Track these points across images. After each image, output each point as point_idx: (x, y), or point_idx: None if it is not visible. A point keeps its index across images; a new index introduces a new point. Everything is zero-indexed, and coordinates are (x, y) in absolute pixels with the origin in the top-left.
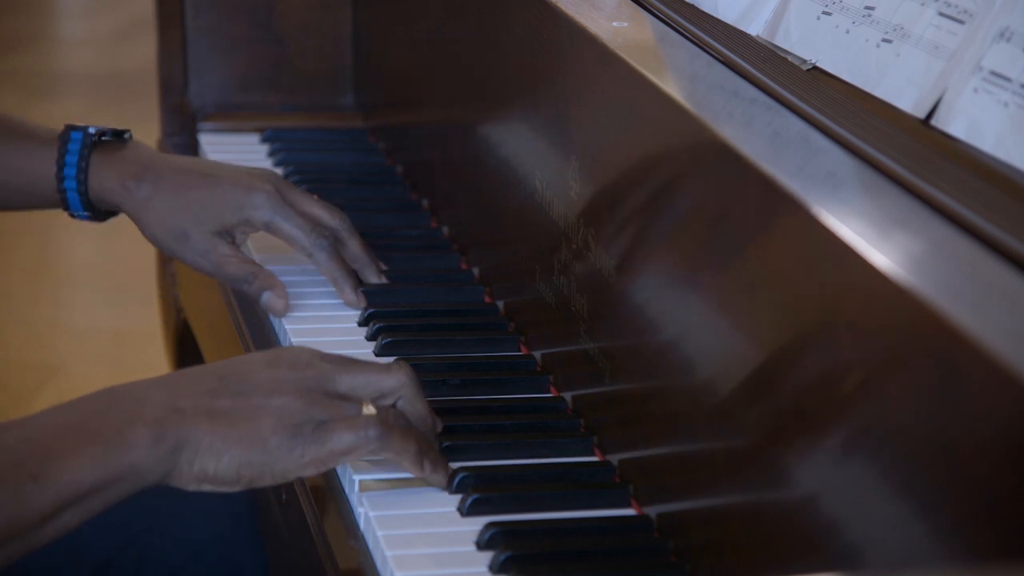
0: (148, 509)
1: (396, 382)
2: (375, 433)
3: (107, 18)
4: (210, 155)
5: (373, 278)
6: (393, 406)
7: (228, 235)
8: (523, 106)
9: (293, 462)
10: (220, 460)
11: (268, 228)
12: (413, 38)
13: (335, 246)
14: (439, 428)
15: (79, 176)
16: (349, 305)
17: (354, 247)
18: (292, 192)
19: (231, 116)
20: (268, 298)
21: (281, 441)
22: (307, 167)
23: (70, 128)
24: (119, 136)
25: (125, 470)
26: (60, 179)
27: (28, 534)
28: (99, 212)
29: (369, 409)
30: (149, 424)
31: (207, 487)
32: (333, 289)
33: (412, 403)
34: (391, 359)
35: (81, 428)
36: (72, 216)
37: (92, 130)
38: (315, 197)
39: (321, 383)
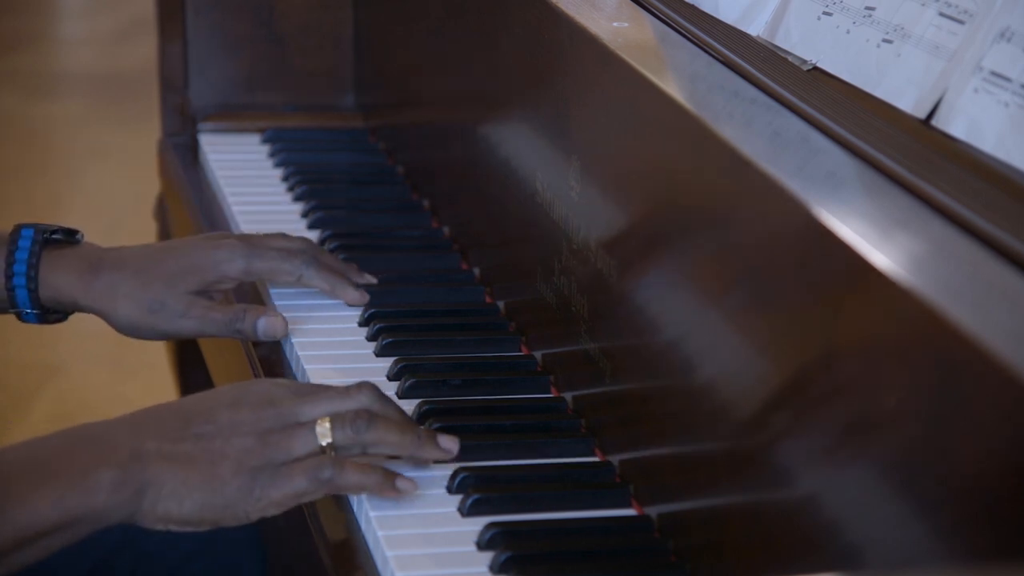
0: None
1: (356, 404)
2: (328, 475)
3: (107, 18)
4: (211, 155)
5: (357, 280)
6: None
7: (204, 295)
8: (524, 106)
9: (252, 504)
10: (183, 503)
11: (247, 274)
12: (414, 38)
13: (315, 261)
14: (423, 434)
15: (29, 272)
16: (355, 304)
17: (329, 260)
18: (255, 237)
19: (232, 116)
20: (265, 325)
21: (241, 483)
22: (307, 167)
23: (20, 225)
24: (71, 235)
25: (86, 512)
26: (8, 276)
27: None
28: (47, 312)
29: (323, 427)
30: (112, 467)
31: (172, 527)
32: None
33: (382, 421)
34: (391, 360)
35: (44, 467)
36: (21, 318)
37: (44, 227)
38: (278, 233)
39: (281, 420)
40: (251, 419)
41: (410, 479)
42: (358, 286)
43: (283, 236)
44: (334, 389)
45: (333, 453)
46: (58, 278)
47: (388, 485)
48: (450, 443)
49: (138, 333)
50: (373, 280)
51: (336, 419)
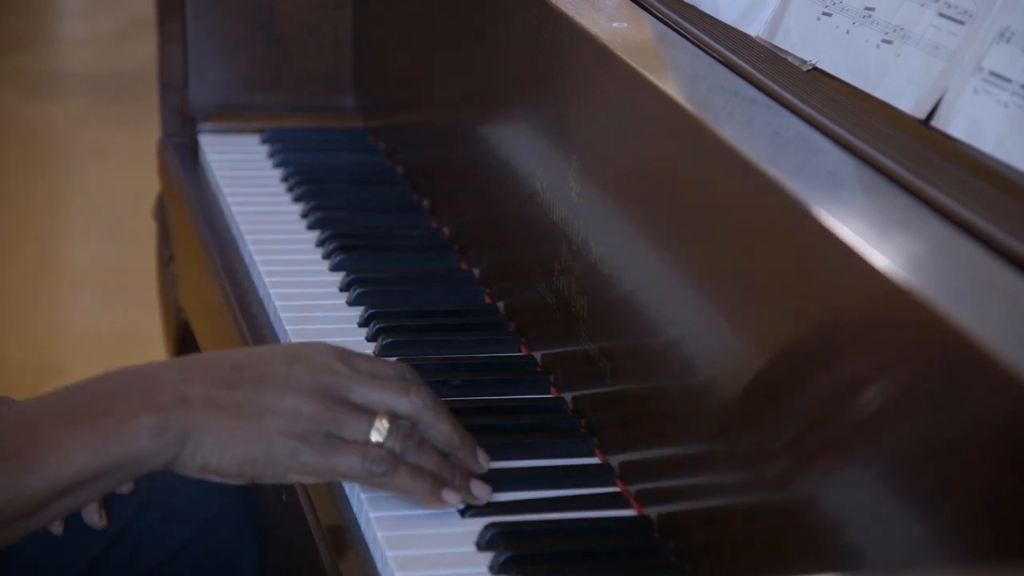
0: (146, 508)
1: (411, 407)
2: (381, 469)
3: (107, 18)
4: (210, 155)
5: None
6: (413, 426)
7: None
8: (523, 106)
9: (295, 467)
10: (223, 455)
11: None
12: (413, 38)
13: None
14: (467, 445)
15: None
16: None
17: (444, 428)
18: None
19: (231, 116)
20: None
21: (286, 444)
22: (307, 167)
23: None
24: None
25: (127, 459)
26: None
27: (25, 519)
28: None
29: (382, 424)
30: (155, 413)
31: (209, 477)
32: (334, 289)
33: (429, 429)
34: (392, 359)
35: (85, 412)
36: None
37: None
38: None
39: (335, 389)
40: (307, 380)
41: (455, 492)
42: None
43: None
44: (390, 375)
45: (377, 449)
46: None
47: (435, 495)
48: (481, 491)
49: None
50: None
51: (394, 428)
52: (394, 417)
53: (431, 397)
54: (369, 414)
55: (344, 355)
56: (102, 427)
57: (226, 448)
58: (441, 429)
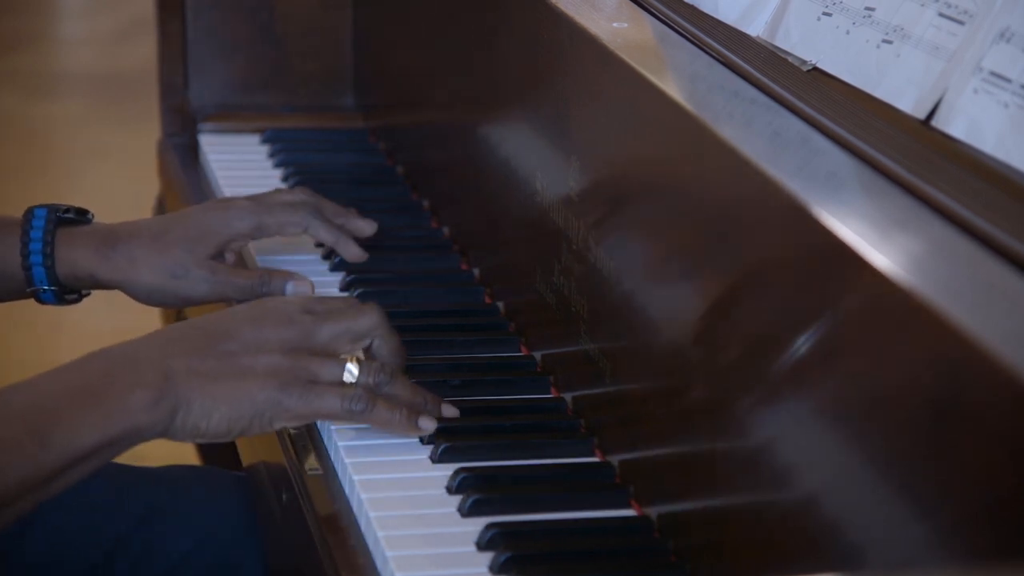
0: (147, 509)
1: (370, 322)
2: (360, 407)
3: (107, 18)
4: (210, 155)
5: (363, 226)
6: (381, 365)
7: (220, 258)
8: (523, 106)
9: (280, 415)
10: (211, 417)
11: (258, 231)
12: (413, 38)
13: (318, 214)
14: (429, 401)
15: (45, 250)
16: (355, 259)
17: (331, 210)
18: (260, 195)
19: (231, 116)
20: (293, 287)
21: (268, 396)
22: (307, 167)
23: (33, 207)
24: (82, 215)
25: (126, 431)
26: (25, 255)
27: (36, 492)
28: (64, 290)
29: (352, 366)
30: (147, 387)
31: (201, 440)
32: (334, 289)
33: (387, 340)
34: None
35: (85, 392)
36: (38, 297)
37: (56, 206)
38: (279, 189)
39: (304, 339)
40: (274, 337)
41: (431, 418)
42: (359, 242)
43: (286, 190)
44: (348, 309)
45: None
46: (74, 253)
47: (412, 424)
48: (450, 411)
49: (160, 301)
50: (373, 227)
51: (364, 366)
52: (363, 359)
53: (382, 313)
54: (339, 358)
55: (303, 303)
56: (103, 404)
57: (212, 412)
58: (392, 343)
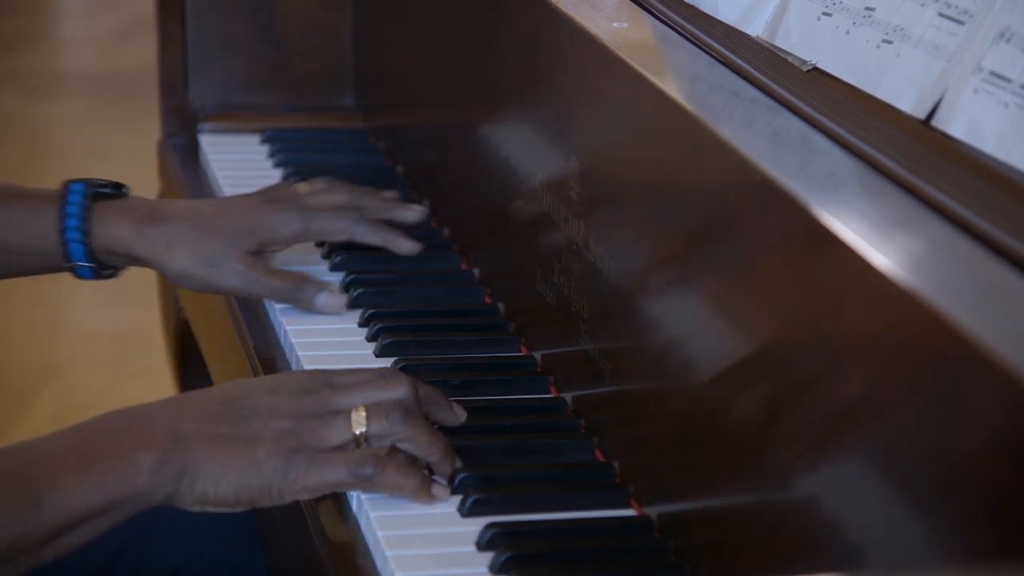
0: (148, 514)
1: (393, 396)
2: (369, 472)
3: (107, 18)
4: (210, 155)
5: (409, 214)
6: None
7: (257, 254)
8: (523, 107)
9: (288, 486)
10: (219, 484)
11: (302, 236)
12: (413, 38)
13: (363, 218)
14: (461, 417)
15: (83, 227)
16: (409, 253)
17: (373, 204)
18: (304, 196)
19: (231, 116)
20: (325, 300)
21: (276, 465)
22: (307, 167)
23: (69, 181)
24: (118, 189)
25: (128, 495)
26: (61, 230)
27: (30, 554)
28: (100, 266)
29: (358, 415)
30: (152, 451)
31: (209, 508)
32: (333, 290)
33: (416, 429)
34: (391, 360)
35: (85, 453)
36: (75, 272)
37: (93, 181)
38: (319, 185)
39: (318, 407)
40: (288, 405)
41: (445, 486)
42: (407, 239)
43: (328, 188)
44: (371, 378)
45: (366, 443)
46: (111, 229)
47: (425, 490)
48: (460, 412)
49: (189, 284)
50: (422, 212)
51: (373, 409)
52: (373, 406)
53: (413, 382)
54: (345, 413)
55: (324, 376)
56: (104, 465)
57: (220, 478)
58: (420, 435)
